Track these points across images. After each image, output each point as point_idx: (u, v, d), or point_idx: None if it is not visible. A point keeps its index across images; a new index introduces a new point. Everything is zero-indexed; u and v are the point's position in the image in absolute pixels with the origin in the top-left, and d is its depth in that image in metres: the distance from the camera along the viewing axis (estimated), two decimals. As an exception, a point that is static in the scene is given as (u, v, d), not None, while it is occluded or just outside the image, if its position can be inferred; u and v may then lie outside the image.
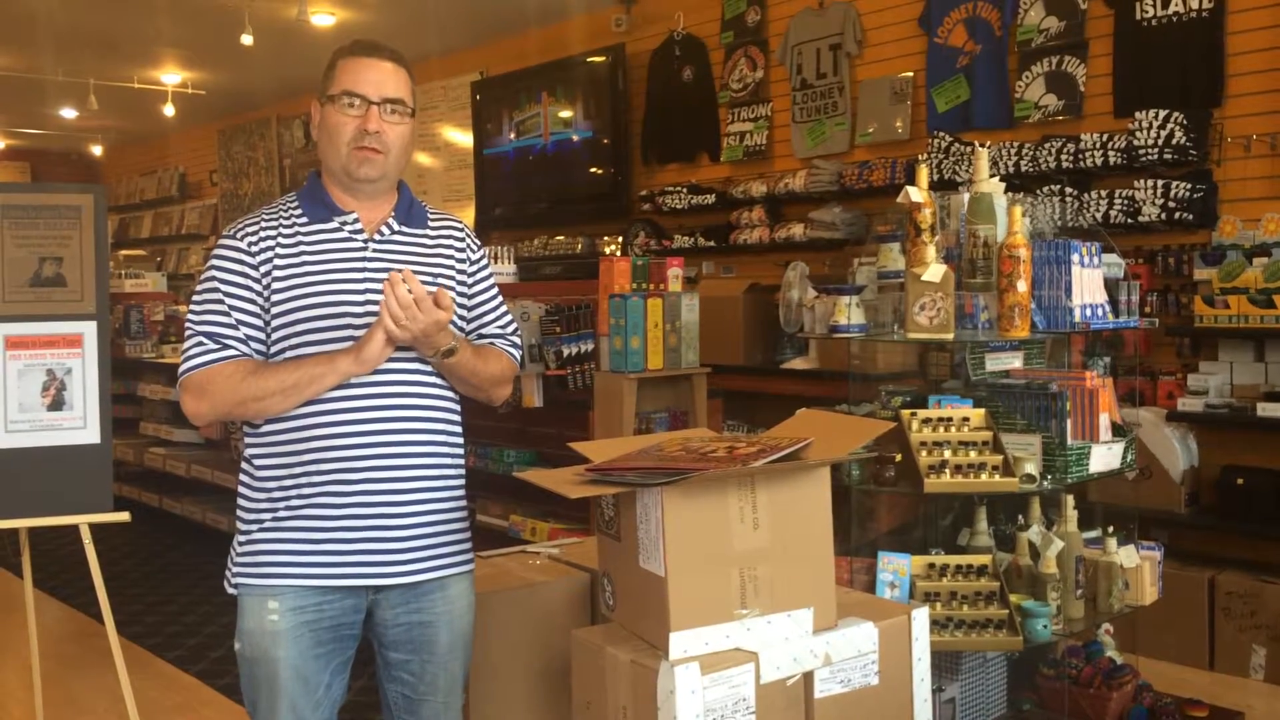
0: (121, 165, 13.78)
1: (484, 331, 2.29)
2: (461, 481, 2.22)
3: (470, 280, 2.26)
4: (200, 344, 2.07)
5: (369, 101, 2.09)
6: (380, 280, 2.07)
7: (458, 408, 2.23)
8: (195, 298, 2.12)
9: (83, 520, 3.42)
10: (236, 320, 2.08)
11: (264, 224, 2.13)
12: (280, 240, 2.11)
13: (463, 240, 2.27)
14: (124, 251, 12.70)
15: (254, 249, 2.10)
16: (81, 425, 3.45)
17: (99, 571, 3.45)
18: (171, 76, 9.60)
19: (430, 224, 2.23)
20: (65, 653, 4.86)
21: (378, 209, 2.18)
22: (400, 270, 1.99)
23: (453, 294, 2.18)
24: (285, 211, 2.15)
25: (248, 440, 2.14)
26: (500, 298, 2.34)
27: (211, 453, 7.08)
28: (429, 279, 2.15)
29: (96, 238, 3.52)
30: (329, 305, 2.07)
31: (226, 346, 2.07)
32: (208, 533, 6.79)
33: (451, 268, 2.22)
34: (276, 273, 2.08)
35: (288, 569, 2.05)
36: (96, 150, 13.47)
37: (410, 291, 1.96)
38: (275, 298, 2.08)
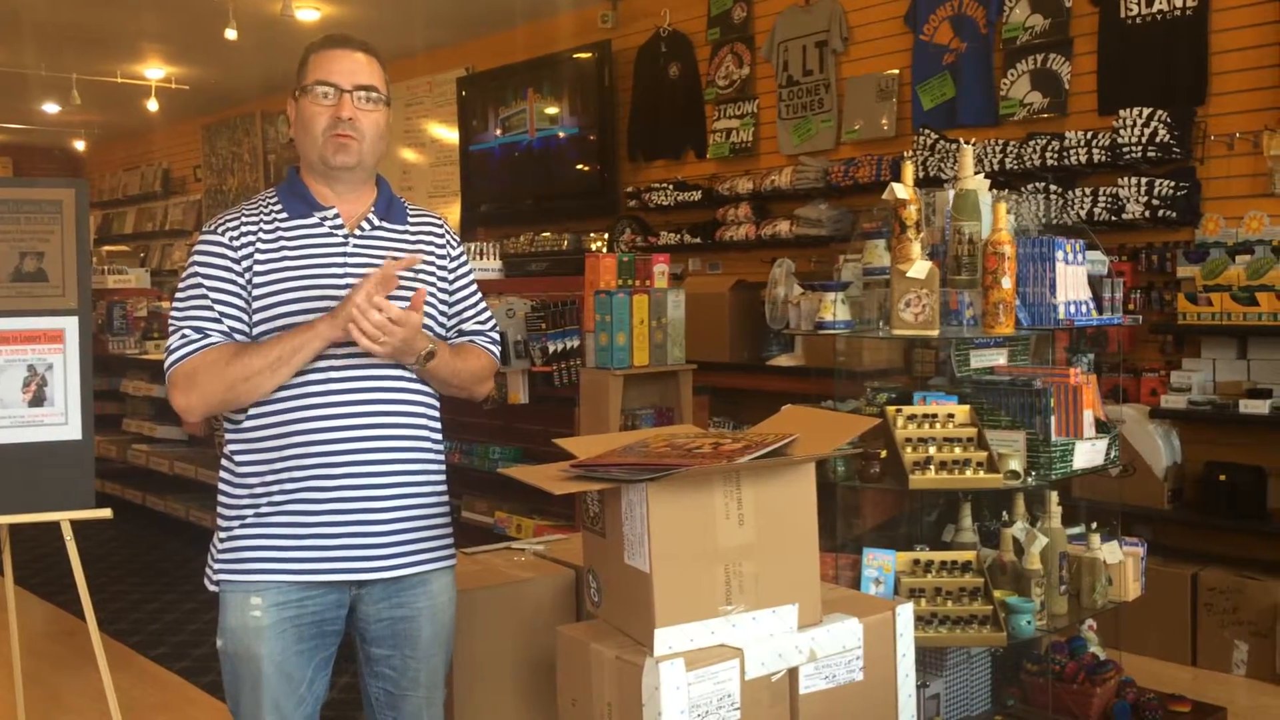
0: (105, 161, 13.70)
1: (463, 328, 2.29)
2: (442, 476, 2.22)
3: (451, 277, 2.26)
4: (185, 336, 2.07)
5: (341, 90, 2.09)
6: (361, 275, 2.07)
7: (437, 402, 2.23)
8: (178, 294, 2.11)
9: (64, 517, 3.40)
10: (220, 314, 2.07)
11: (245, 219, 2.12)
12: (261, 236, 2.10)
13: (442, 236, 2.27)
14: (107, 247, 12.63)
15: (235, 243, 2.09)
16: (63, 421, 3.43)
17: (80, 568, 3.43)
18: (155, 71, 9.54)
19: (410, 220, 2.23)
20: (47, 650, 4.83)
21: (357, 204, 2.17)
22: (385, 260, 1.97)
23: (433, 290, 2.19)
24: (265, 207, 2.15)
25: (229, 436, 2.13)
26: (479, 294, 2.34)
27: (195, 449, 7.04)
28: (409, 275, 2.15)
29: (78, 232, 3.50)
30: (310, 301, 2.06)
31: (209, 336, 2.06)
32: (191, 530, 6.75)
33: (432, 264, 2.22)
34: (257, 268, 2.08)
35: (270, 564, 2.05)
36: (79, 145, 13.39)
37: (380, 311, 1.96)
38: (257, 293, 2.07)
